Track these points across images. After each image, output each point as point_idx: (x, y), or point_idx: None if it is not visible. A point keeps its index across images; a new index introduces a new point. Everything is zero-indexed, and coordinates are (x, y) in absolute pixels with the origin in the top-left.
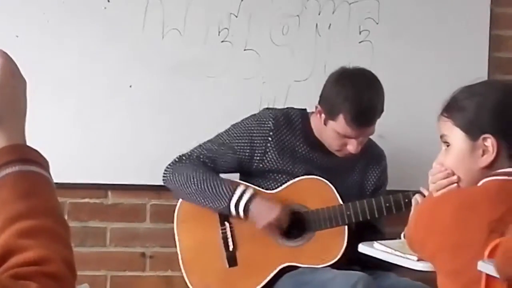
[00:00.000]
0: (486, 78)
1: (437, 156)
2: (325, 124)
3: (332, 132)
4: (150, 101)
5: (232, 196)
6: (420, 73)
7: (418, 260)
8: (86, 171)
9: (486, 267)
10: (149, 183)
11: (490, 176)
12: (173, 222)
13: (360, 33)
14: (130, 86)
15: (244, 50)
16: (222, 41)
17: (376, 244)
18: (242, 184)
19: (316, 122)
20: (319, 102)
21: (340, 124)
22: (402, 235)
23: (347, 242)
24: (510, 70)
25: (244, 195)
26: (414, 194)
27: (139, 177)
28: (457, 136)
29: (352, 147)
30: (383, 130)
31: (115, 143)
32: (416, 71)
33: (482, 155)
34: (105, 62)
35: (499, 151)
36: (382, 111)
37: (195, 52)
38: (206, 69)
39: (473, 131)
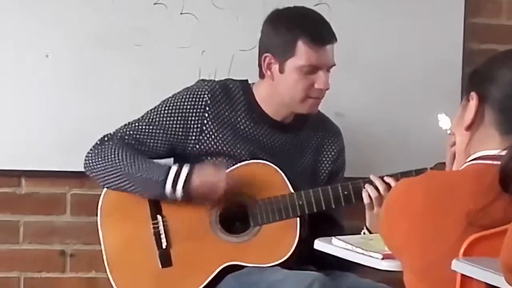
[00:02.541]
0: (461, 47)
1: (405, 138)
2: (280, 71)
3: (293, 75)
4: (69, 73)
5: (167, 175)
6: (384, 41)
7: (383, 259)
8: None
9: (462, 267)
10: (69, 169)
11: (475, 159)
12: (97, 215)
13: None
14: (47, 56)
15: (181, 13)
16: (155, 4)
17: (334, 240)
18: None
19: (262, 90)
20: (265, 52)
21: (301, 52)
22: (364, 230)
23: (299, 237)
24: (487, 37)
25: (182, 170)
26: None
27: (58, 162)
28: None
29: (321, 81)
30: (341, 106)
31: (29, 123)
32: (379, 38)
33: (467, 114)
34: (17, 28)
35: (482, 116)
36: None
37: (122, 17)
38: (135, 37)
39: (467, 87)
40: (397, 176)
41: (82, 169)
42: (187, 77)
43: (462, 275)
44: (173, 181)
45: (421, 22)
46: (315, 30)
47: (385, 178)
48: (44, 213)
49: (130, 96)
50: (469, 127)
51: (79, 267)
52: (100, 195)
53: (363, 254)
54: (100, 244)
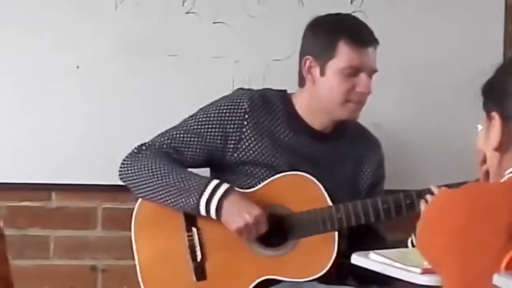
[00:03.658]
0: (501, 54)
1: (444, 150)
2: (321, 74)
3: (334, 77)
4: (101, 84)
5: (204, 191)
6: (422, 50)
7: (422, 273)
8: (25, 169)
9: (504, 282)
10: (100, 183)
11: None
12: (129, 230)
13: (351, 2)
14: (77, 67)
15: (213, 23)
16: (187, 13)
17: (372, 254)
18: (215, 179)
19: (302, 98)
20: (305, 54)
21: (343, 54)
22: (409, 242)
23: (338, 251)
24: None
25: (218, 190)
26: (418, 194)
27: (89, 176)
28: None
29: (363, 84)
30: (379, 117)
31: (60, 135)
32: (417, 47)
33: (491, 135)
34: (48, 38)
35: (509, 134)
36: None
37: (154, 26)
38: (168, 47)
39: (486, 106)
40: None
41: (114, 183)
42: (220, 87)
43: None
44: (208, 199)
45: (461, 30)
46: (356, 31)
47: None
48: (75, 228)
49: (163, 107)
50: (498, 148)
51: (111, 283)
52: (131, 209)
53: (401, 268)
54: (132, 258)
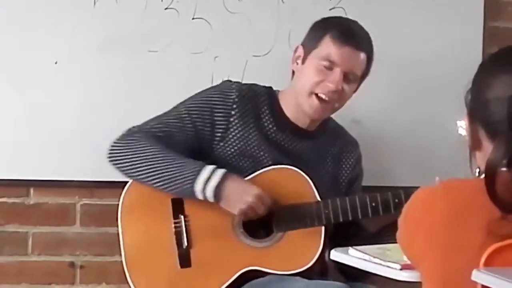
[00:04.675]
0: (480, 51)
1: (423, 145)
2: (303, 62)
3: (310, 66)
4: (80, 80)
5: (200, 171)
6: (401, 46)
7: (401, 269)
8: (3, 165)
9: (482, 277)
10: (79, 179)
11: None
12: (107, 226)
13: None
14: (56, 63)
15: (193, 19)
16: (166, 8)
17: (351, 250)
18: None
19: (286, 96)
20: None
21: (324, 45)
22: None
23: (324, 245)
24: (507, 41)
25: (216, 172)
26: (407, 194)
27: (67, 172)
28: None
29: (332, 78)
30: (359, 114)
31: (37, 131)
32: (396, 43)
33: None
34: (24, 34)
35: (476, 133)
36: (371, 52)
37: (134, 22)
38: (147, 42)
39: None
40: None
41: (92, 179)
42: (199, 83)
43: (483, 285)
44: (207, 179)
45: (439, 26)
46: (346, 29)
47: None
48: (53, 224)
49: (143, 103)
50: (473, 148)
51: (89, 279)
52: (109, 205)
53: (381, 264)
54: (111, 255)
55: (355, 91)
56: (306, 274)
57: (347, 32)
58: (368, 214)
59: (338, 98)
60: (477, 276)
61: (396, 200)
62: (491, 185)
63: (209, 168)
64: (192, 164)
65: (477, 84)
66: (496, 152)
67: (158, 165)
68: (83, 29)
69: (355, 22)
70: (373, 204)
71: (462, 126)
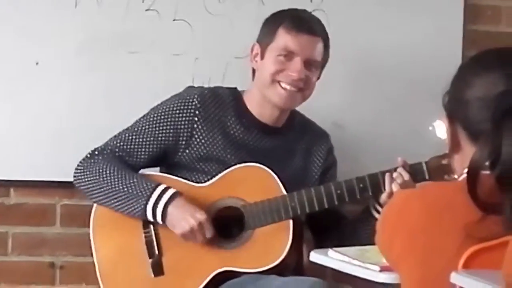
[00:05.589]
0: (460, 53)
1: (403, 147)
2: (262, 58)
3: (269, 59)
4: (61, 81)
5: (150, 197)
6: (382, 49)
7: (380, 271)
8: None
9: (461, 279)
10: (59, 179)
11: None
12: (88, 226)
13: (311, 0)
14: (37, 64)
15: (174, 20)
16: (147, 10)
17: (330, 251)
18: (165, 182)
19: (251, 94)
20: (256, 42)
21: (279, 37)
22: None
23: (293, 240)
24: (486, 44)
25: (164, 195)
26: (371, 178)
27: (48, 172)
28: None
29: (293, 68)
30: (340, 117)
31: (18, 132)
32: (377, 46)
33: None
34: (5, 34)
35: (456, 135)
36: (326, 36)
37: (115, 23)
38: (128, 44)
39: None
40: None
41: (72, 180)
42: (180, 84)
43: None
44: (156, 200)
45: (421, 29)
46: (297, 18)
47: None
48: (33, 224)
49: (123, 103)
50: (452, 151)
51: (69, 279)
52: (89, 206)
53: (360, 266)
54: (91, 255)
55: (318, 78)
56: (280, 271)
57: (299, 20)
58: (333, 202)
59: (304, 86)
60: (456, 278)
61: (361, 185)
62: (473, 185)
63: (158, 192)
64: (142, 189)
65: (457, 85)
66: (480, 152)
67: (112, 188)
68: (65, 30)
69: (305, 11)
70: (338, 191)
71: (440, 128)
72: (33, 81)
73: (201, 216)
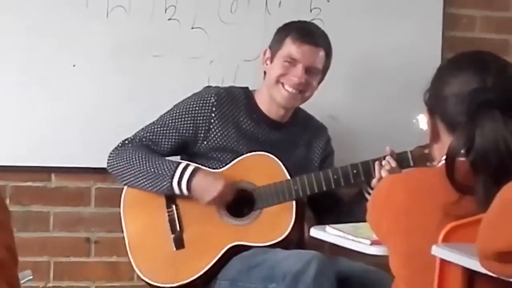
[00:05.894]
0: (439, 56)
1: (395, 139)
2: (271, 62)
3: (276, 63)
4: (94, 81)
5: (174, 173)
6: (372, 51)
7: (371, 244)
8: (29, 153)
9: (440, 252)
10: (94, 166)
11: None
12: (118, 206)
13: (311, 11)
14: (74, 66)
15: (192, 28)
16: (169, 19)
17: (328, 228)
18: (184, 161)
19: (261, 93)
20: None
21: (286, 45)
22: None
23: (296, 218)
24: (463, 49)
25: (186, 171)
26: (364, 165)
27: (84, 160)
28: None
29: (294, 73)
30: (335, 111)
31: (59, 124)
32: (369, 48)
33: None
34: (47, 40)
35: (435, 127)
36: (328, 47)
37: (141, 31)
38: (153, 48)
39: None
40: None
41: (105, 166)
42: (197, 84)
43: (441, 259)
44: (180, 174)
45: (405, 35)
46: (304, 31)
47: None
48: (71, 205)
49: (148, 100)
50: (432, 141)
51: (103, 252)
52: (119, 189)
53: (353, 240)
54: (121, 231)
55: (320, 82)
56: (285, 246)
57: (304, 33)
58: (331, 185)
59: (304, 89)
60: (436, 250)
61: (355, 171)
62: (451, 170)
63: (180, 169)
64: (167, 168)
65: (436, 83)
66: (456, 141)
67: (142, 170)
68: (97, 36)
69: (312, 24)
70: (335, 176)
71: (422, 121)
72: (70, 81)
73: (221, 184)
